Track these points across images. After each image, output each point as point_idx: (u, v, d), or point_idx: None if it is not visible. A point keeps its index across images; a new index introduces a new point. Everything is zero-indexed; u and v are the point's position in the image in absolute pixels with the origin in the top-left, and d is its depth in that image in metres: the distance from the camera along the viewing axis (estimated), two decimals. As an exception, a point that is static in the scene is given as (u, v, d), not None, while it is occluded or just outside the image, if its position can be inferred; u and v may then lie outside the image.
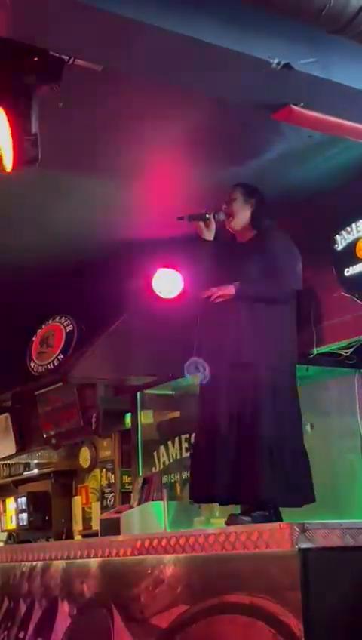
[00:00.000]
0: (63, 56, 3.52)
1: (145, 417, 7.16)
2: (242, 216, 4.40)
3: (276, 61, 3.58)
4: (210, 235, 4.38)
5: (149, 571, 3.64)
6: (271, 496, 4.02)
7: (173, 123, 4.63)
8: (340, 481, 5.68)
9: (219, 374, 4.15)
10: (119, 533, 4.88)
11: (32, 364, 7.45)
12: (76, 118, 4.40)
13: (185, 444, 6.72)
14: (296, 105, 3.94)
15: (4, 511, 9.70)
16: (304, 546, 2.97)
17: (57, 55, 3.51)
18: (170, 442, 6.88)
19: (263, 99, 3.94)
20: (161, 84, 3.88)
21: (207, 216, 4.34)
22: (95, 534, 6.89)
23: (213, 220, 4.37)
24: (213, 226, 4.38)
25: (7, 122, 3.52)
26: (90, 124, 4.59)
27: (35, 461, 9.12)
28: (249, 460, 4.00)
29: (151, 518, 4.93)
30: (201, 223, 4.36)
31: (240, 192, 4.43)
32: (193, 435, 4.48)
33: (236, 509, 4.26)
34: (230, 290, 4.18)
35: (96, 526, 7.60)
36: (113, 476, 8.32)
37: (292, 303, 4.33)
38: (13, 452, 8.64)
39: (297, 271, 4.30)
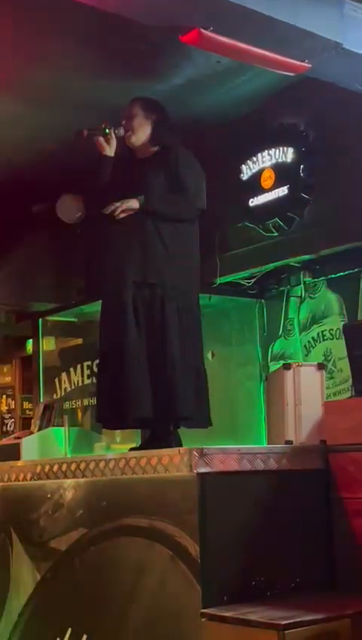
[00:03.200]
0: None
1: (47, 344, 7.12)
2: (142, 132, 4.26)
3: (186, -18, 3.51)
4: (110, 150, 4.24)
5: (49, 496, 3.65)
6: (172, 417, 4.00)
7: (80, 42, 4.50)
8: (239, 408, 5.82)
9: (121, 293, 4.06)
10: (19, 459, 4.87)
11: None
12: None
13: (87, 372, 6.72)
14: (205, 29, 3.86)
15: None
16: (202, 470, 3.03)
17: None
18: (72, 369, 6.88)
19: (172, 20, 3.85)
20: (66, 1, 3.74)
21: (107, 131, 4.21)
22: (-6, 460, 6.87)
23: (113, 135, 4.24)
24: (114, 141, 4.25)
25: None
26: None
27: None
28: (150, 381, 3.96)
29: (51, 443, 4.93)
30: (101, 139, 4.23)
31: (140, 106, 4.29)
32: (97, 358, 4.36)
33: (137, 433, 4.28)
34: (133, 203, 4.06)
35: (-5, 452, 7.58)
36: (13, 402, 8.30)
37: (196, 223, 4.26)
38: None
39: (202, 189, 4.21)
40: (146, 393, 3.94)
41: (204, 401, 4.11)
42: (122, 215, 4.03)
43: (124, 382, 3.96)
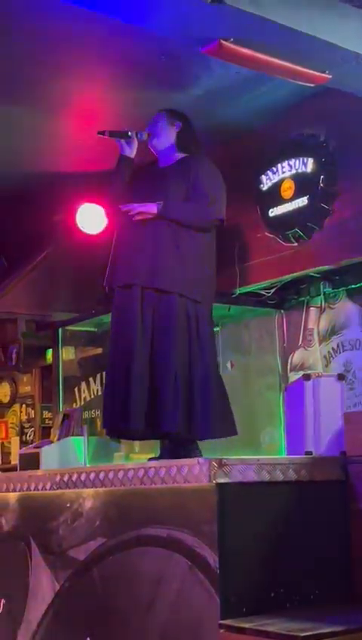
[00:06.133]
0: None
1: (67, 353, 7.14)
2: (165, 137, 4.28)
3: (207, -6, 3.52)
4: (131, 152, 4.26)
5: (68, 505, 3.66)
6: (184, 427, 3.99)
7: (99, 54, 4.53)
8: (258, 418, 5.80)
9: (132, 298, 4.05)
10: (38, 468, 4.89)
11: None
12: (1, 46, 4.27)
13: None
14: (225, 40, 3.88)
15: None
16: (221, 480, 3.03)
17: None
18: (91, 378, 6.90)
19: (193, 32, 3.87)
20: (87, 13, 3.77)
21: (129, 134, 4.24)
22: (14, 469, 6.89)
23: (135, 138, 4.26)
24: (135, 144, 4.27)
25: None
26: (15, 53, 4.46)
27: None
28: (159, 391, 3.95)
29: (71, 453, 4.95)
30: (123, 141, 4.26)
31: (165, 114, 4.33)
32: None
33: (155, 443, 4.28)
34: (151, 209, 4.04)
35: (15, 461, 7.60)
36: (33, 411, 8.31)
37: (213, 233, 4.24)
38: None
39: (222, 199, 4.21)
40: (140, 405, 3.93)
41: (217, 411, 4.09)
42: (139, 218, 4.02)
43: (123, 391, 3.96)
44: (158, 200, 4.06)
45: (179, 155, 4.27)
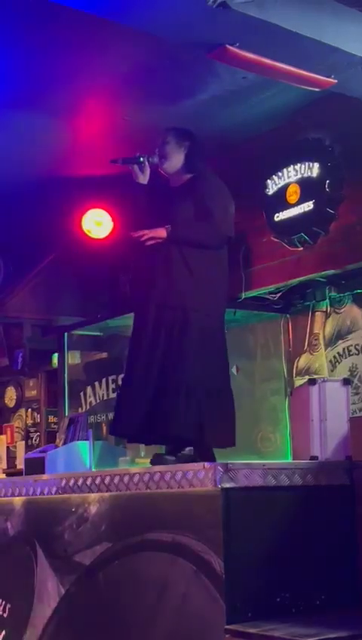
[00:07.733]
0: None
1: (73, 358, 7.15)
2: (175, 159, 4.34)
3: (213, -1, 3.53)
4: (144, 178, 4.33)
5: (73, 510, 3.66)
6: (189, 436, 4.01)
7: (106, 59, 4.54)
8: (264, 423, 5.80)
9: (148, 316, 4.14)
10: (44, 473, 4.89)
11: None
12: (7, 50, 4.28)
13: (112, 385, 6.74)
14: (231, 45, 3.89)
15: None
16: (227, 485, 3.03)
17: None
18: (96, 383, 6.90)
19: (199, 37, 3.88)
20: (94, 18, 3.78)
21: (141, 159, 4.29)
22: (20, 473, 6.89)
23: (146, 163, 4.32)
24: (148, 169, 4.34)
25: None
26: (22, 58, 4.47)
27: None
28: (168, 400, 3.99)
29: (76, 457, 4.95)
30: (135, 166, 4.31)
31: (173, 135, 4.38)
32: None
33: (161, 448, 4.29)
34: (161, 233, 4.14)
35: (21, 465, 7.60)
36: (39, 416, 8.32)
37: (225, 249, 4.33)
38: None
39: (229, 217, 4.27)
40: (138, 412, 3.99)
41: (226, 422, 4.13)
42: (150, 243, 4.11)
43: (122, 397, 4.05)
44: (169, 221, 4.13)
45: (188, 175, 4.34)
